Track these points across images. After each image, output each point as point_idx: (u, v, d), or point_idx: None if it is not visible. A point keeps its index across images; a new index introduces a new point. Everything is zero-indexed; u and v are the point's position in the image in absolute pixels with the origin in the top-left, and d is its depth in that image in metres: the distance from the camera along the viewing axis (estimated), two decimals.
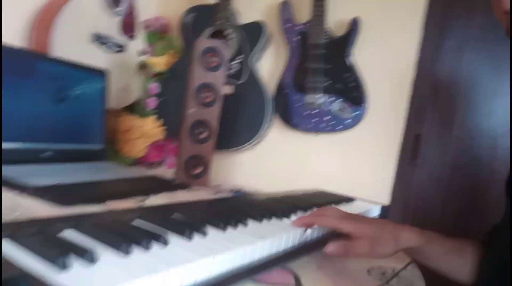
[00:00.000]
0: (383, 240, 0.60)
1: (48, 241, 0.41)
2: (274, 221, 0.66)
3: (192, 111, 1.09)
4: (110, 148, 1.37)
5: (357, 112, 1.40)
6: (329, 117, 1.42)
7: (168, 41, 1.57)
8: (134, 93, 1.45)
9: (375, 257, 0.62)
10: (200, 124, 1.10)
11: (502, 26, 0.57)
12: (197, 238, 0.51)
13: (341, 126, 1.41)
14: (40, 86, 0.97)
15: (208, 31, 1.49)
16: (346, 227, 0.61)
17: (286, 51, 1.47)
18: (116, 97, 1.38)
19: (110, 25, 1.34)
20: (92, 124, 1.11)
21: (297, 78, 1.44)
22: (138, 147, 1.39)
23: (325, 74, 1.41)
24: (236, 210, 0.67)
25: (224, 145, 1.45)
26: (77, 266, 0.37)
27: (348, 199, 1.04)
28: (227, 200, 0.79)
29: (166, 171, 1.42)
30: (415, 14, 1.38)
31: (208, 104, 1.10)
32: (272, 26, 1.49)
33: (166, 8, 1.67)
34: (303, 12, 1.45)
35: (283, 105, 1.46)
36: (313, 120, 1.43)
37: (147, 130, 1.40)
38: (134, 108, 1.45)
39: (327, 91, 1.41)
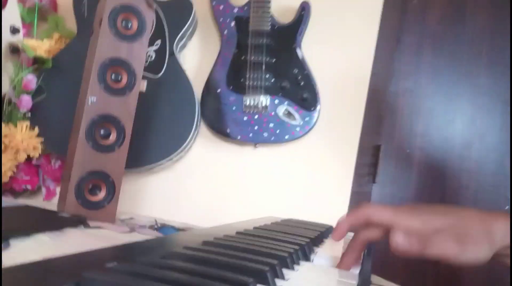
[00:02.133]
0: (472, 235, 0.37)
1: None
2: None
3: (94, 101, 0.69)
4: None
5: (308, 118, 1.11)
6: (273, 124, 1.10)
7: (54, 22, 1.15)
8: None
9: (465, 261, 0.37)
10: (106, 121, 0.71)
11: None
12: None
13: (288, 136, 1.11)
14: None
15: None
16: (408, 221, 0.40)
17: (218, 40, 1.14)
18: None
19: None
20: None
21: (233, 75, 1.11)
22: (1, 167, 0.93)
23: (269, 70, 1.10)
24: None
25: (132, 163, 1.05)
26: None
27: (329, 229, 0.73)
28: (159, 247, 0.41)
29: (43, 205, 0.99)
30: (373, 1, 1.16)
31: (120, 91, 0.72)
32: (200, 6, 1.15)
33: None
34: None
35: (214, 109, 1.12)
36: (253, 128, 1.11)
37: (15, 142, 0.95)
38: None
39: (271, 91, 1.10)
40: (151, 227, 0.74)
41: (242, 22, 1.12)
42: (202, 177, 1.14)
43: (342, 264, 0.41)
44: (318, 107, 1.10)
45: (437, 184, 1.20)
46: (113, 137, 0.72)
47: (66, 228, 0.59)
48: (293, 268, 0.36)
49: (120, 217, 0.80)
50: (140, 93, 1.02)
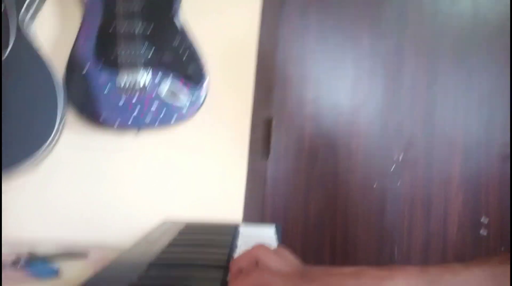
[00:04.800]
0: None
1: None
2: None
3: None
4: None
5: (194, 96, 0.99)
6: (156, 106, 0.97)
7: None
8: None
9: None
10: None
11: None
12: None
13: (175, 118, 0.98)
14: None
15: None
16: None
17: (78, 7, 0.94)
18: None
19: None
20: None
21: (101, 49, 0.94)
22: None
23: (145, 42, 0.95)
24: None
25: None
26: None
27: (234, 230, 0.65)
28: None
29: None
30: None
31: None
32: None
33: None
34: None
35: (82, 93, 0.94)
36: (133, 112, 0.96)
37: None
38: None
39: (149, 66, 0.95)
40: (15, 263, 0.58)
41: None
42: (74, 177, 0.96)
43: None
44: (205, 83, 0.99)
45: (329, 152, 1.19)
46: None
47: None
48: None
49: None
50: None
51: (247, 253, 0.41)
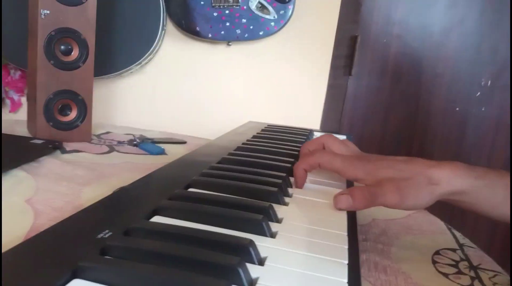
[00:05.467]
0: (415, 185, 0.38)
1: None
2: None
3: (47, 13, 0.62)
4: None
5: (282, 11, 1.04)
6: (246, 19, 1.04)
7: None
8: None
9: (406, 208, 0.39)
10: (65, 36, 0.65)
11: None
12: None
13: (263, 31, 1.05)
14: None
15: None
16: (353, 172, 0.42)
17: None
18: None
19: None
20: None
21: None
22: None
23: None
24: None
25: (99, 70, 0.99)
26: None
27: (309, 133, 0.74)
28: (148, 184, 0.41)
29: (13, 120, 0.96)
30: None
31: (76, 1, 0.64)
32: None
33: None
34: None
35: (180, 6, 1.03)
36: (225, 24, 1.04)
37: None
38: None
39: None
40: (130, 142, 0.73)
41: None
42: (174, 79, 1.10)
43: (298, 182, 0.44)
44: None
45: (414, 73, 1.19)
46: (75, 52, 0.66)
47: (42, 157, 0.57)
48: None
49: (96, 132, 0.78)
50: None
51: (316, 139, 0.49)
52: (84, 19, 0.66)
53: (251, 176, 0.41)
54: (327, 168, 0.43)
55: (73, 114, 0.68)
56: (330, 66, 1.12)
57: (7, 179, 0.48)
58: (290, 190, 0.41)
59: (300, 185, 0.43)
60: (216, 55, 1.09)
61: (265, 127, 0.76)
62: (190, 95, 1.11)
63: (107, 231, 0.27)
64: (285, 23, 1.04)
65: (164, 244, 0.26)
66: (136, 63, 1.02)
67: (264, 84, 1.11)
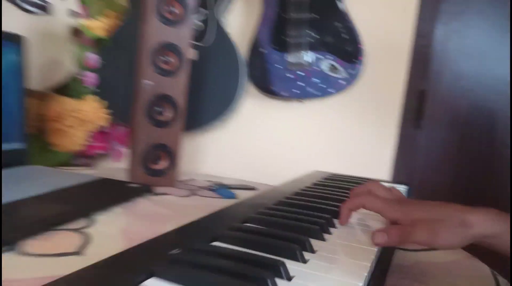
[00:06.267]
0: (447, 226, 0.42)
1: None
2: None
3: (148, 83, 0.77)
4: (35, 143, 1.03)
5: (352, 70, 1.13)
6: (318, 79, 1.14)
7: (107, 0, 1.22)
8: (66, 68, 1.10)
9: (438, 247, 0.43)
10: (161, 100, 0.80)
11: None
12: None
13: (333, 89, 1.14)
14: None
15: None
16: (392, 213, 0.47)
17: (260, 1, 1.16)
18: (41, 74, 1.04)
19: None
20: (5, 115, 0.77)
21: (276, 34, 1.14)
22: (74, 138, 1.06)
23: (311, 27, 1.12)
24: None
25: (188, 126, 1.14)
26: None
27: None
28: (221, 219, 0.50)
29: (116, 168, 1.12)
30: None
31: (170, 73, 0.79)
32: None
33: None
34: None
35: (259, 69, 1.17)
36: (298, 84, 1.15)
37: (85, 114, 1.07)
38: (66, 88, 1.10)
39: (314, 47, 1.13)
40: (208, 188, 0.84)
41: None
42: (252, 133, 1.22)
43: (342, 218, 0.50)
44: (362, 58, 1.12)
45: (485, 127, 1.18)
46: (168, 113, 0.80)
47: (136, 198, 0.70)
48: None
49: (181, 178, 0.91)
50: (192, 61, 1.11)
51: (363, 185, 0.56)
52: (177, 87, 0.80)
53: (298, 216, 0.49)
54: (370, 209, 0.49)
55: (163, 164, 0.82)
56: (399, 119, 1.17)
57: (108, 214, 0.61)
58: (332, 229, 0.48)
59: (342, 222, 0.50)
60: (290, 111, 1.20)
61: (327, 176, 0.83)
62: (264, 146, 1.22)
63: (177, 249, 0.37)
64: (354, 81, 1.13)
65: (217, 260, 0.34)
66: (218, 119, 1.17)
67: (333, 136, 1.19)
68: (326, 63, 1.13)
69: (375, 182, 0.55)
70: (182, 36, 0.79)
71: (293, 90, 1.16)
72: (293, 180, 0.77)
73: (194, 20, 1.13)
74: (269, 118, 1.22)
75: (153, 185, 0.78)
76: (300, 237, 0.41)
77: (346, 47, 1.12)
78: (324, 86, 1.14)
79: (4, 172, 0.72)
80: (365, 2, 1.14)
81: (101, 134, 1.16)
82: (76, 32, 1.10)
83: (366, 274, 0.36)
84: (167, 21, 0.78)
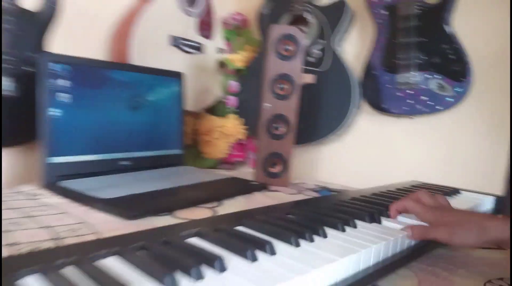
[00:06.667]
0: (465, 228, 0.54)
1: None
2: (360, 227, 0.58)
3: (268, 106, 1.01)
4: (191, 151, 1.36)
5: (460, 89, 1.20)
6: (426, 97, 1.24)
7: (246, 36, 1.52)
8: (214, 93, 1.42)
9: (455, 244, 0.56)
10: (277, 119, 1.03)
11: None
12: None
13: (441, 106, 1.23)
14: (114, 95, 0.97)
15: (286, 18, 1.40)
16: (426, 216, 0.60)
17: (373, 29, 1.32)
18: (196, 98, 1.37)
19: (187, 27, 1.32)
20: (169, 129, 1.10)
21: (387, 57, 1.28)
22: (219, 148, 1.36)
23: (419, 49, 1.23)
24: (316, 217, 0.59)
25: (307, 139, 1.36)
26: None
27: (452, 191, 0.89)
28: (308, 204, 0.70)
29: (248, 171, 1.38)
30: None
31: (285, 97, 1.02)
32: (356, 3, 1.35)
33: (243, 2, 1.62)
34: None
35: (372, 89, 1.32)
36: (408, 102, 1.26)
37: (227, 129, 1.37)
38: (214, 109, 1.42)
39: (422, 67, 1.23)
40: (313, 189, 1.03)
41: (392, 9, 1.27)
42: (365, 147, 1.37)
43: (391, 212, 0.64)
44: (470, 78, 1.18)
45: None
46: (283, 128, 1.03)
47: (254, 192, 0.94)
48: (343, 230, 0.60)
49: (294, 181, 1.12)
50: (311, 84, 1.32)
51: (413, 193, 0.68)
52: (290, 108, 1.02)
53: (359, 206, 0.66)
54: (410, 212, 0.63)
55: (278, 168, 1.04)
56: (510, 134, 1.18)
57: (232, 200, 0.85)
58: (382, 218, 0.63)
59: (390, 216, 0.64)
60: (400, 126, 1.32)
61: (417, 184, 0.95)
62: (376, 158, 1.36)
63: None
64: (462, 99, 1.20)
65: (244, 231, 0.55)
66: (332, 133, 1.35)
67: (444, 151, 1.26)
68: (434, 82, 1.22)
69: (424, 190, 0.67)
70: (294, 68, 1.01)
71: (402, 107, 1.28)
72: (383, 185, 0.92)
73: (314, 50, 1.35)
74: (381, 133, 1.35)
75: (270, 185, 1.01)
76: (346, 217, 0.58)
77: (453, 67, 1.20)
78: (432, 104, 1.23)
79: (167, 169, 1.04)
80: (474, 22, 1.20)
81: (239, 145, 1.45)
82: (222, 64, 1.41)
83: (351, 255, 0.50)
84: (283, 57, 1.01)
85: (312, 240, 0.49)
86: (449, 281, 0.54)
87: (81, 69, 0.90)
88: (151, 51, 1.21)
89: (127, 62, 1.13)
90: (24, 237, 0.54)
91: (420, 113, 1.26)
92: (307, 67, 1.36)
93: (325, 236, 0.52)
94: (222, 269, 0.38)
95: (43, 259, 0.37)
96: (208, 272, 0.37)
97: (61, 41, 1.05)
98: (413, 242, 0.58)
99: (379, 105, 1.31)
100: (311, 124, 1.33)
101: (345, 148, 1.40)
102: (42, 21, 0.99)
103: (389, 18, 1.28)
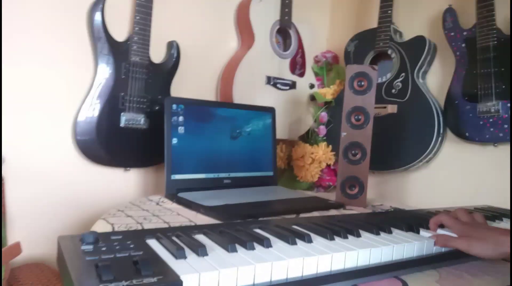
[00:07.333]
0: (483, 241, 0.64)
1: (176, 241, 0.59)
2: (395, 233, 0.72)
3: (345, 134, 1.18)
4: (287, 174, 1.56)
5: None
6: (507, 124, 1.28)
7: (336, 71, 1.70)
8: (307, 123, 1.62)
9: (473, 254, 0.65)
10: (354, 146, 1.18)
11: None
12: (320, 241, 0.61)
13: None
14: (218, 127, 1.23)
15: (370, 55, 1.55)
16: (455, 229, 0.71)
17: (453, 60, 1.40)
18: (290, 128, 1.58)
19: (281, 67, 1.56)
20: (263, 155, 1.32)
21: (467, 87, 1.36)
22: (311, 172, 1.54)
23: (498, 78, 1.29)
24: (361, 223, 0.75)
25: (392, 165, 1.47)
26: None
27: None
28: (360, 216, 0.85)
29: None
30: None
31: (360, 126, 1.17)
32: (436, 36, 1.45)
33: (333, 41, 1.81)
34: (468, 16, 1.37)
35: (454, 118, 1.39)
36: (490, 130, 1.31)
37: (319, 156, 1.55)
38: (307, 137, 1.61)
39: (501, 96, 1.28)
40: (385, 210, 1.15)
41: (471, 41, 1.35)
42: (449, 174, 1.43)
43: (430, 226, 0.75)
44: None
45: None
46: (359, 155, 1.18)
47: (331, 209, 1.10)
48: (378, 234, 0.73)
49: (373, 203, 1.25)
50: (393, 114, 1.45)
51: (452, 211, 0.79)
52: (364, 136, 1.17)
53: (403, 219, 0.79)
54: (445, 224, 0.73)
55: (356, 190, 1.19)
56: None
57: (307, 215, 1.03)
58: (422, 230, 0.76)
59: (430, 229, 0.76)
60: (484, 154, 1.36)
61: (484, 207, 1.02)
62: (459, 188, 1.41)
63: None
64: None
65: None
66: (418, 160, 1.44)
67: None
68: None
69: (461, 208, 0.78)
70: (367, 101, 1.16)
71: (485, 135, 1.33)
72: (450, 207, 1.02)
73: (396, 83, 1.47)
74: (465, 160, 1.41)
75: (347, 204, 1.16)
76: (383, 226, 0.73)
77: None
78: None
79: (260, 188, 1.26)
80: None
81: (330, 170, 1.62)
82: (313, 98, 1.61)
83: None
84: (358, 92, 1.17)
85: (346, 238, 0.65)
86: (468, 281, 0.65)
87: (194, 108, 1.18)
88: (250, 90, 1.47)
89: (232, 101, 1.40)
90: (152, 226, 0.79)
91: (503, 140, 1.30)
92: (391, 98, 1.49)
93: (358, 236, 0.67)
94: (268, 245, 0.57)
95: (159, 232, 0.60)
96: (258, 247, 0.57)
97: (180, 84, 1.38)
98: (443, 249, 0.70)
99: (462, 133, 1.38)
100: (396, 152, 1.45)
101: (431, 175, 1.48)
102: (166, 70, 1.33)
103: (468, 50, 1.36)
